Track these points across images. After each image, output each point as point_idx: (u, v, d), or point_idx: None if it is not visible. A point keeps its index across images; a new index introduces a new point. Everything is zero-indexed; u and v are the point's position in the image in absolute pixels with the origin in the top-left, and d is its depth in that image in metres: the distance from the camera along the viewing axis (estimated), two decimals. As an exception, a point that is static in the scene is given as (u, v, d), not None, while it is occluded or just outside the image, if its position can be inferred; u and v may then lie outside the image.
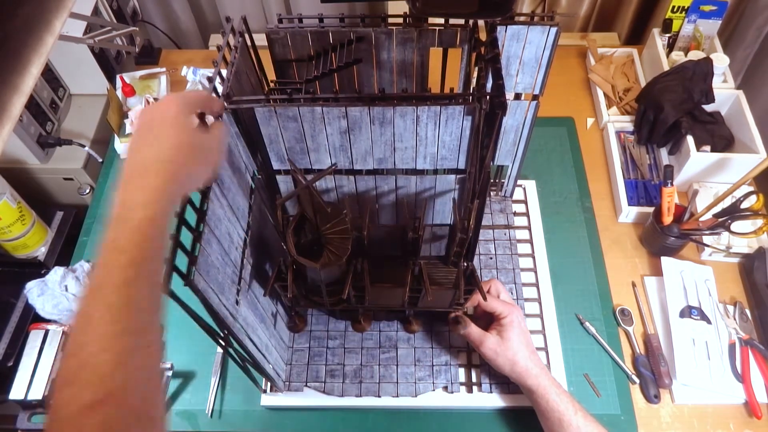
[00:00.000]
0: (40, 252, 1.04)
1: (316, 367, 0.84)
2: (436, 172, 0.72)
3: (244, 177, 0.68)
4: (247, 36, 0.67)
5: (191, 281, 0.48)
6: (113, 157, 1.12)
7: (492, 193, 1.00)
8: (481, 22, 0.70)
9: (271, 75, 0.75)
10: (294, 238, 0.67)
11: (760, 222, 0.86)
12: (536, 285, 0.91)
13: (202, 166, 0.51)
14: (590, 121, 1.16)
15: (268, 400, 0.82)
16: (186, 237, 0.50)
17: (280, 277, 0.71)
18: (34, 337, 0.86)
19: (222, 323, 0.56)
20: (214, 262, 0.55)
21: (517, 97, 0.81)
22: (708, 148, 1.00)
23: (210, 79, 0.60)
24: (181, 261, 0.49)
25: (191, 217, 0.52)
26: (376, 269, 0.73)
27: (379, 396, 0.81)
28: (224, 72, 0.62)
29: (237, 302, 0.62)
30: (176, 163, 0.46)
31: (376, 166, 0.70)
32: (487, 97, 0.59)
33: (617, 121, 1.11)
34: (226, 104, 0.60)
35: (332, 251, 0.67)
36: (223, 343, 0.60)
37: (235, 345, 0.62)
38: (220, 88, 0.60)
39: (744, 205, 0.87)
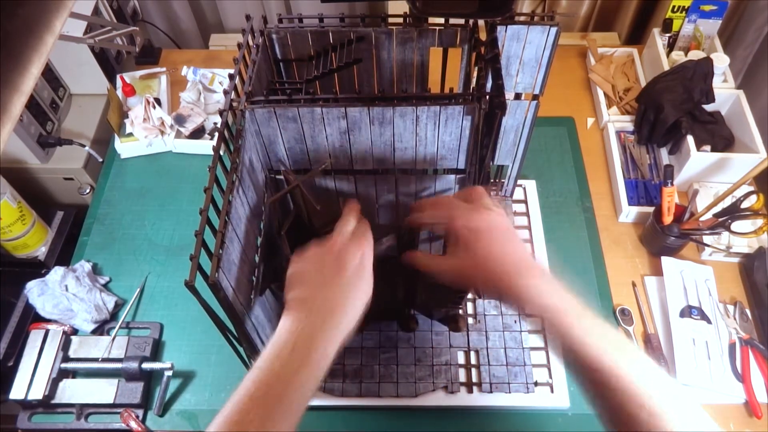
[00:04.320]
0: (41, 252, 1.04)
1: (316, 366, 0.84)
2: (436, 172, 0.72)
3: (260, 176, 0.68)
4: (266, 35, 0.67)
5: (216, 281, 0.48)
6: (113, 156, 1.12)
7: (492, 193, 1.00)
8: (481, 22, 0.70)
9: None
10: (291, 238, 0.67)
11: (760, 222, 0.86)
12: (536, 285, 0.91)
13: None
14: (590, 121, 1.16)
15: (268, 399, 0.82)
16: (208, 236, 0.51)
17: (277, 277, 0.71)
18: (35, 337, 0.86)
19: (238, 322, 0.56)
20: (234, 261, 0.55)
21: (517, 97, 0.81)
22: (708, 147, 1.00)
23: (231, 77, 0.61)
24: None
25: (213, 216, 0.52)
26: (374, 268, 0.73)
27: (379, 396, 0.81)
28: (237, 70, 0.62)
29: (251, 301, 0.62)
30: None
31: (375, 166, 0.70)
32: (487, 97, 0.59)
33: (617, 121, 1.11)
34: (246, 104, 0.60)
35: None
36: (234, 342, 0.60)
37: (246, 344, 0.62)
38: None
39: (744, 204, 0.87)
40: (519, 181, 0.99)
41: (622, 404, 0.44)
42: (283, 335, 0.49)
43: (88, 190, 1.14)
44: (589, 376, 0.46)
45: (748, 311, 0.90)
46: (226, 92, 0.59)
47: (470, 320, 0.88)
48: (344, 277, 0.53)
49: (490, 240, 0.52)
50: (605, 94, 1.16)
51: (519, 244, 0.53)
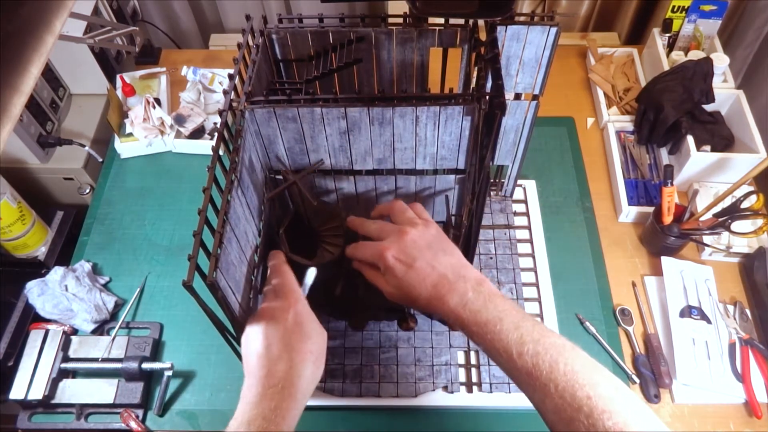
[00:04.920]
0: (41, 252, 1.04)
1: (316, 366, 0.84)
2: (435, 172, 0.72)
3: (260, 176, 0.68)
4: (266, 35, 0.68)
5: (214, 281, 0.49)
6: (113, 156, 1.12)
7: (492, 193, 1.00)
8: (481, 22, 0.70)
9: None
10: (290, 237, 0.67)
11: (760, 222, 0.86)
12: (536, 285, 0.91)
13: None
14: (590, 120, 1.16)
15: (268, 399, 0.82)
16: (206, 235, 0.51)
17: None
18: (35, 336, 0.86)
19: (236, 322, 0.56)
20: (233, 261, 0.55)
21: (517, 97, 0.81)
22: (708, 147, 1.00)
23: (231, 77, 0.61)
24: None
25: (211, 216, 0.52)
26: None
27: (379, 396, 0.81)
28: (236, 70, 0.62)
29: (250, 300, 0.62)
30: None
31: (375, 166, 0.70)
32: (487, 97, 0.59)
33: (617, 121, 1.11)
34: (246, 103, 0.60)
35: (326, 249, 0.67)
36: (233, 342, 0.60)
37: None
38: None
39: (744, 204, 0.87)
40: (519, 181, 0.99)
41: (562, 407, 0.45)
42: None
43: (88, 190, 1.14)
44: (528, 383, 0.48)
45: (748, 311, 0.90)
46: (226, 92, 0.59)
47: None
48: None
49: (416, 269, 0.54)
50: (605, 94, 1.16)
51: (447, 256, 0.55)
